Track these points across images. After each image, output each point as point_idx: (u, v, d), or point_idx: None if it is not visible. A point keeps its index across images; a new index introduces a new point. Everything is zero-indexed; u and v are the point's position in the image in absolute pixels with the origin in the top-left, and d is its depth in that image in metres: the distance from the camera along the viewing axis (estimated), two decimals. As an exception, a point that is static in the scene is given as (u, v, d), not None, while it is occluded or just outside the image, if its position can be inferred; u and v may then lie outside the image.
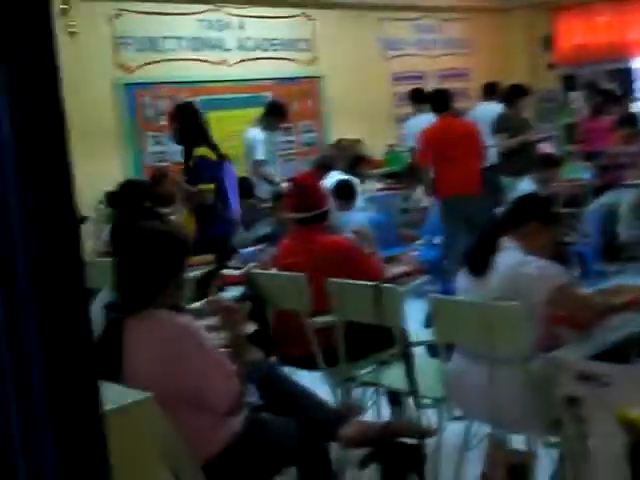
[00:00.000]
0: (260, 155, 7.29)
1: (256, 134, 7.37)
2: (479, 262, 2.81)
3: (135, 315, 2.38)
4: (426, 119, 8.25)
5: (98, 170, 6.73)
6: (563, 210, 7.95)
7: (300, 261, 3.73)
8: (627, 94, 9.87)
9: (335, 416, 2.82)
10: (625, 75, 10.98)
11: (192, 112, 5.62)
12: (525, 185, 6.86)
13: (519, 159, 7.30)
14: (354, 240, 3.99)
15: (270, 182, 7.21)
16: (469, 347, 2.89)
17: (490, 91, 8.70)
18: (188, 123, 5.47)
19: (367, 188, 8.18)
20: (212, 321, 2.78)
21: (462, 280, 2.92)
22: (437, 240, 7.12)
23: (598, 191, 8.17)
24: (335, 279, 3.41)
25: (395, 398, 3.61)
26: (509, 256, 2.78)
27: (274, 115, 7.44)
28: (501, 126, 7.69)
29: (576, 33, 11.26)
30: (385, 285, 3.22)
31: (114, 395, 1.74)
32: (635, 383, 2.14)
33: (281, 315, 3.80)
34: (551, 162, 7.12)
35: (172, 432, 2.18)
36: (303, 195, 3.87)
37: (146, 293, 2.39)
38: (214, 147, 5.57)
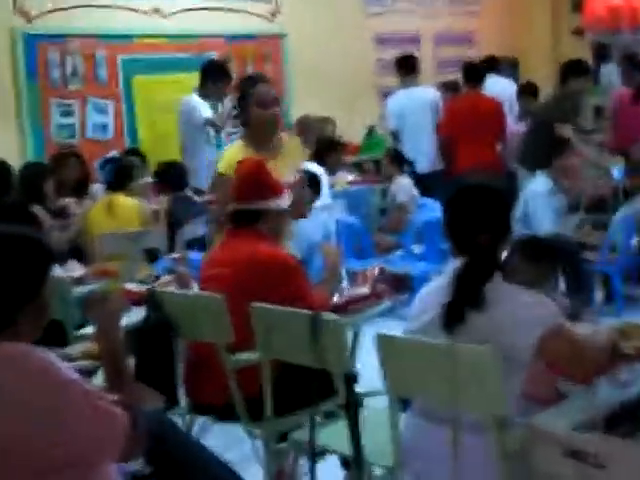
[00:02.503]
0: (205, 114, 7.18)
1: (196, 101, 7.27)
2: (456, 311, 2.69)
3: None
4: (417, 93, 8.21)
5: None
6: (584, 217, 7.91)
7: (225, 276, 3.63)
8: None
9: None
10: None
11: None
12: (538, 185, 6.74)
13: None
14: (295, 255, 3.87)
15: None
16: (427, 404, 2.78)
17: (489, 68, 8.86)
18: None
19: (337, 181, 8.07)
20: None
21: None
22: (419, 249, 7.02)
23: (631, 194, 8.10)
24: (260, 303, 3.31)
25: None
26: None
27: (212, 79, 7.31)
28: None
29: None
30: (325, 315, 3.07)
31: None
32: (634, 464, 2.00)
33: (194, 348, 3.72)
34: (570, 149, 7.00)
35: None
36: (243, 184, 3.78)
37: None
38: None
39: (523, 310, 2.64)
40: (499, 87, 8.88)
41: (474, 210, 2.78)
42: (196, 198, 6.70)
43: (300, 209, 4.51)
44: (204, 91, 7.28)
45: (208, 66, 7.48)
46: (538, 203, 6.62)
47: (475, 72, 8.38)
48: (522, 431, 2.38)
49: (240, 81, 5.01)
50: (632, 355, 2.95)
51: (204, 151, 7.18)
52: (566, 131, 7.43)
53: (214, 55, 8.30)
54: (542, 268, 3.92)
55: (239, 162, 3.98)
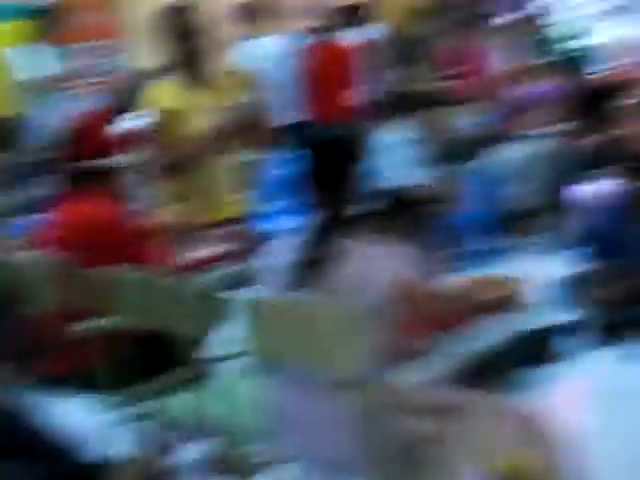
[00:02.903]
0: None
1: (17, 53, 7.03)
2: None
3: None
4: (271, 43, 8.10)
5: None
6: (438, 167, 8.07)
7: (64, 238, 3.58)
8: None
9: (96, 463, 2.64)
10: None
11: None
12: (396, 134, 6.84)
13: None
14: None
15: None
16: (288, 365, 2.78)
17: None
18: None
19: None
20: None
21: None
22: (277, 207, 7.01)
23: (487, 142, 8.31)
24: (104, 268, 3.28)
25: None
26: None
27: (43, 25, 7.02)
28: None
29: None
30: (175, 277, 3.05)
31: None
32: (490, 417, 2.06)
33: (38, 317, 3.61)
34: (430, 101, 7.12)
35: None
36: (79, 142, 3.75)
37: None
38: None
39: (381, 262, 2.68)
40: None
41: (325, 165, 2.78)
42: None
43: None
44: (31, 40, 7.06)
45: (38, 10, 7.20)
46: (394, 153, 6.73)
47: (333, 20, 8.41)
48: (382, 388, 2.40)
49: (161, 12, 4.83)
50: (485, 308, 3.05)
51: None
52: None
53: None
54: (398, 221, 3.95)
55: (78, 117, 3.92)
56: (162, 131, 4.14)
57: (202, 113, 4.01)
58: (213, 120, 4.05)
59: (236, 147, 3.93)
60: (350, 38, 8.70)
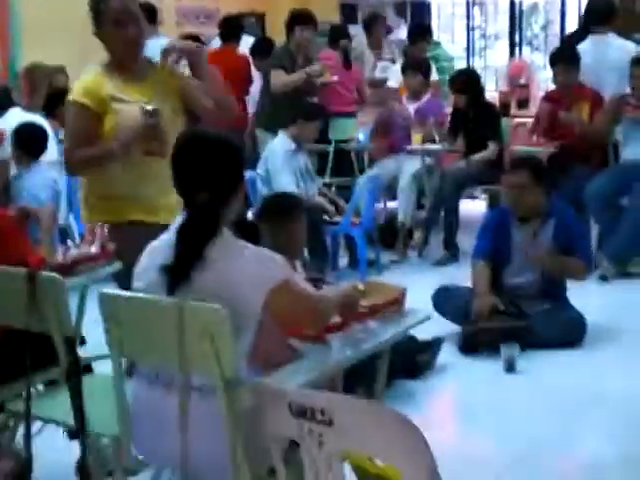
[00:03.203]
0: None
1: None
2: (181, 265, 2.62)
3: None
4: (152, 45, 8.01)
5: None
6: (329, 180, 8.10)
7: None
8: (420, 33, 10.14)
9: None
10: (418, 10, 11.36)
11: None
12: (278, 143, 6.86)
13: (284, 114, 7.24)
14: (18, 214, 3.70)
15: None
16: (154, 367, 2.72)
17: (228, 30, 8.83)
18: None
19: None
20: None
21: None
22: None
23: (375, 157, 8.37)
24: None
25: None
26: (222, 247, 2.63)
27: None
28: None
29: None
30: (44, 274, 2.93)
31: None
32: (364, 422, 2.02)
33: None
34: (316, 113, 7.14)
35: None
36: None
37: None
38: None
39: (250, 265, 2.61)
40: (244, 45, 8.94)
41: (194, 164, 2.70)
42: None
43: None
44: None
45: None
46: (277, 162, 6.74)
47: (231, 27, 8.69)
48: (251, 391, 2.35)
49: None
50: (367, 313, 3.04)
51: None
52: None
53: None
54: (283, 229, 3.94)
55: None
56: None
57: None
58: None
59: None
60: (241, 47, 8.71)
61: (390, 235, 7.69)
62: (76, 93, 3.83)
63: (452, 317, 5.45)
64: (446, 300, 5.49)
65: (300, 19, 7.80)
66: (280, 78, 7.65)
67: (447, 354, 5.14)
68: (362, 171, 8.34)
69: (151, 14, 8.23)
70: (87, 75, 3.90)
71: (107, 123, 3.78)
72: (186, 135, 2.89)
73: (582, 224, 5.62)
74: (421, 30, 9.32)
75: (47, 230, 3.77)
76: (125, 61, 3.86)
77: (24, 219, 3.86)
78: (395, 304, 3.14)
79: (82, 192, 3.96)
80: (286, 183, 6.53)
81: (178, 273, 2.61)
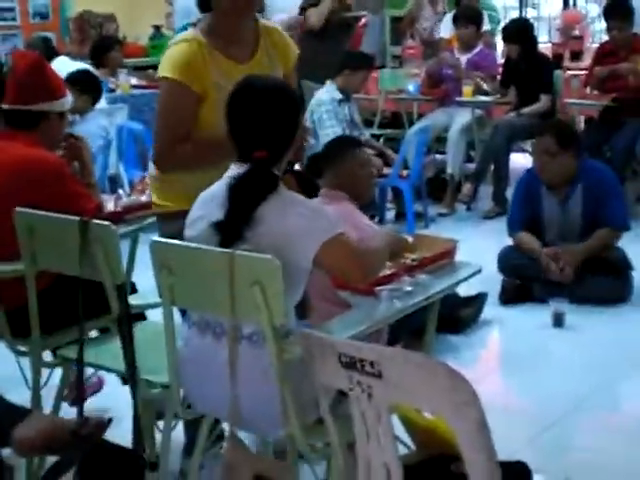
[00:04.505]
0: None
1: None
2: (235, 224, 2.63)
3: None
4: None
5: None
6: (376, 132, 8.07)
7: None
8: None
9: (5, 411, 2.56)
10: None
11: None
12: (325, 93, 6.82)
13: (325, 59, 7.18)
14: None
15: None
16: (205, 315, 2.74)
17: None
18: None
19: (119, 84, 7.84)
20: None
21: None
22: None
23: (424, 109, 8.31)
24: (24, 209, 3.17)
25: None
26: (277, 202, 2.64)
27: None
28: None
29: None
30: (96, 221, 2.96)
31: None
32: (412, 373, 2.03)
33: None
34: (363, 62, 7.08)
35: None
36: (10, 78, 3.64)
37: None
38: None
39: (304, 219, 2.61)
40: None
41: (253, 118, 2.65)
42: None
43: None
44: None
45: None
46: (323, 111, 6.71)
47: None
48: (301, 341, 2.37)
49: None
50: (415, 265, 3.04)
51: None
52: None
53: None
54: (347, 169, 3.84)
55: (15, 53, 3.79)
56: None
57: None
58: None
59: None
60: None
61: (438, 188, 7.66)
62: (176, 69, 3.13)
63: (517, 276, 5.37)
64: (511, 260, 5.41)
65: None
66: (313, 13, 7.51)
67: (491, 308, 5.14)
68: (411, 123, 8.29)
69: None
70: (186, 45, 3.15)
71: (202, 111, 3.20)
72: (244, 84, 2.74)
73: (613, 181, 5.46)
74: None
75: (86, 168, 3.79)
76: (237, 18, 3.19)
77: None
78: (445, 257, 3.14)
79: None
80: (333, 133, 6.52)
81: (230, 231, 2.61)
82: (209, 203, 2.74)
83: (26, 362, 3.39)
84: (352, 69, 6.85)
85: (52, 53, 6.87)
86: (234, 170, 2.70)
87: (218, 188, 2.74)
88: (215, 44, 3.19)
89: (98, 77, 6.55)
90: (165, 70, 3.16)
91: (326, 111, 6.71)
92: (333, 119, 6.70)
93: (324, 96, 6.81)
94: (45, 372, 3.44)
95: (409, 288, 2.93)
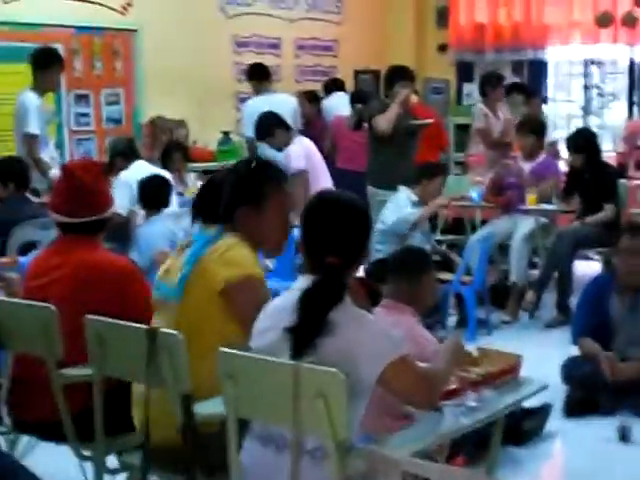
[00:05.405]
0: (34, 127, 6.91)
1: (29, 98, 7.04)
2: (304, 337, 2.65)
3: None
4: (275, 100, 8.23)
5: None
6: (439, 238, 8.08)
7: (53, 285, 3.57)
8: (535, 93, 10.12)
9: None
10: (535, 68, 11.30)
11: None
12: (402, 199, 6.86)
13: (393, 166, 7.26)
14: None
15: (42, 170, 6.85)
16: (268, 427, 2.74)
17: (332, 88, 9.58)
18: None
19: (187, 188, 7.96)
20: None
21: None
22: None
23: (487, 215, 8.32)
24: (95, 316, 3.22)
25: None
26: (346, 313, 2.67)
27: (40, 68, 7.07)
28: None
29: (479, 8, 11.45)
30: (163, 330, 3.01)
31: None
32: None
33: (20, 362, 3.59)
34: (438, 170, 7.15)
35: None
36: (72, 191, 3.71)
37: None
38: None
39: (371, 338, 2.63)
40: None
41: (327, 227, 2.73)
42: (33, 199, 6.50)
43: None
44: (36, 84, 7.07)
45: (34, 54, 7.17)
46: (409, 216, 6.76)
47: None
48: (364, 457, 2.37)
49: None
50: (479, 381, 3.02)
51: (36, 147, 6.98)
52: None
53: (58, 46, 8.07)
54: (418, 281, 3.86)
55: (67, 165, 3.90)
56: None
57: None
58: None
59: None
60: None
61: (501, 295, 7.61)
62: (254, 267, 3.21)
63: (582, 386, 5.29)
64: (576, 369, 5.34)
65: (400, 74, 7.81)
66: (380, 119, 7.60)
67: (555, 419, 5.05)
68: (473, 229, 8.31)
69: (261, 71, 8.49)
70: (244, 248, 3.20)
71: None
72: (318, 197, 2.88)
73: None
74: (532, 89, 9.27)
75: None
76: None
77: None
78: (510, 373, 3.12)
79: None
80: (420, 239, 6.56)
81: (303, 338, 2.64)
82: (279, 313, 2.77)
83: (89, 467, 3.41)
84: (429, 178, 6.92)
85: (135, 155, 6.99)
86: (302, 282, 2.75)
87: (287, 299, 2.77)
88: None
89: (170, 183, 6.64)
90: (250, 268, 3.18)
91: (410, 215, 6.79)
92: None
93: (403, 201, 6.86)
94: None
95: (474, 404, 2.91)
